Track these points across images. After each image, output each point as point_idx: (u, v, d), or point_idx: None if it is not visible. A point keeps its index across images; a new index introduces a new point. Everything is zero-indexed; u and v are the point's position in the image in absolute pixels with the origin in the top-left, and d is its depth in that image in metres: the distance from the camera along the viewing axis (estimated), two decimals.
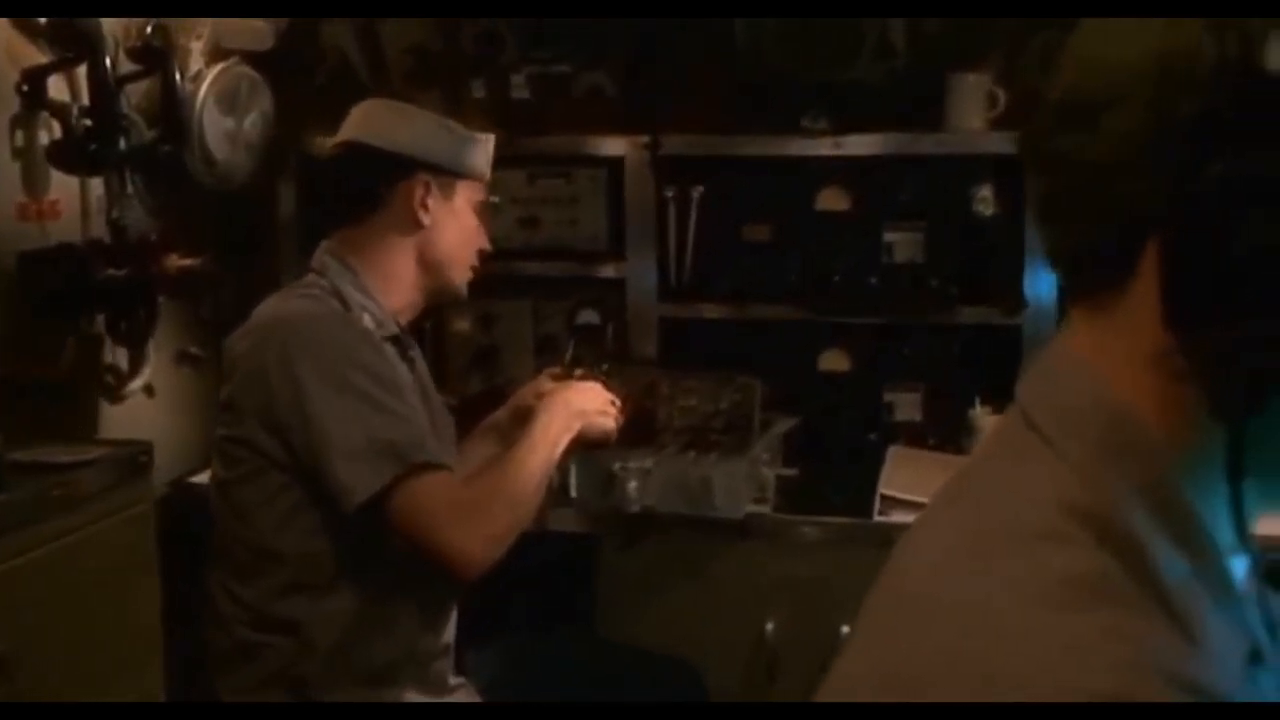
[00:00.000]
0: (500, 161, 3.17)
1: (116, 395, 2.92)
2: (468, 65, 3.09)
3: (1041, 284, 2.86)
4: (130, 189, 2.96)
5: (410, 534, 2.08)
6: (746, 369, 2.90)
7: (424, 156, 2.31)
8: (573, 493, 2.69)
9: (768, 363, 3.00)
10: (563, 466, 2.57)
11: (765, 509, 2.65)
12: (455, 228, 2.36)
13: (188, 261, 3.01)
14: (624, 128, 3.06)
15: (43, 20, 2.67)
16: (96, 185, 2.86)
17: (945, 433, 2.98)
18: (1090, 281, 0.78)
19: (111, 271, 2.74)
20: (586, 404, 2.37)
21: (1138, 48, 0.73)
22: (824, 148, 2.92)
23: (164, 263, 2.96)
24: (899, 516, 2.53)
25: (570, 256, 3.21)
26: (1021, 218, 2.80)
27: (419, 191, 2.33)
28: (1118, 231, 0.74)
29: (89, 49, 2.67)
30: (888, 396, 3.03)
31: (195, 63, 3.10)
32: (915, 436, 3.00)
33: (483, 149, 2.39)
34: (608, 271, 3.19)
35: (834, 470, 2.93)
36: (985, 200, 2.81)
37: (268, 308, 2.28)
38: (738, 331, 3.10)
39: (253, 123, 3.13)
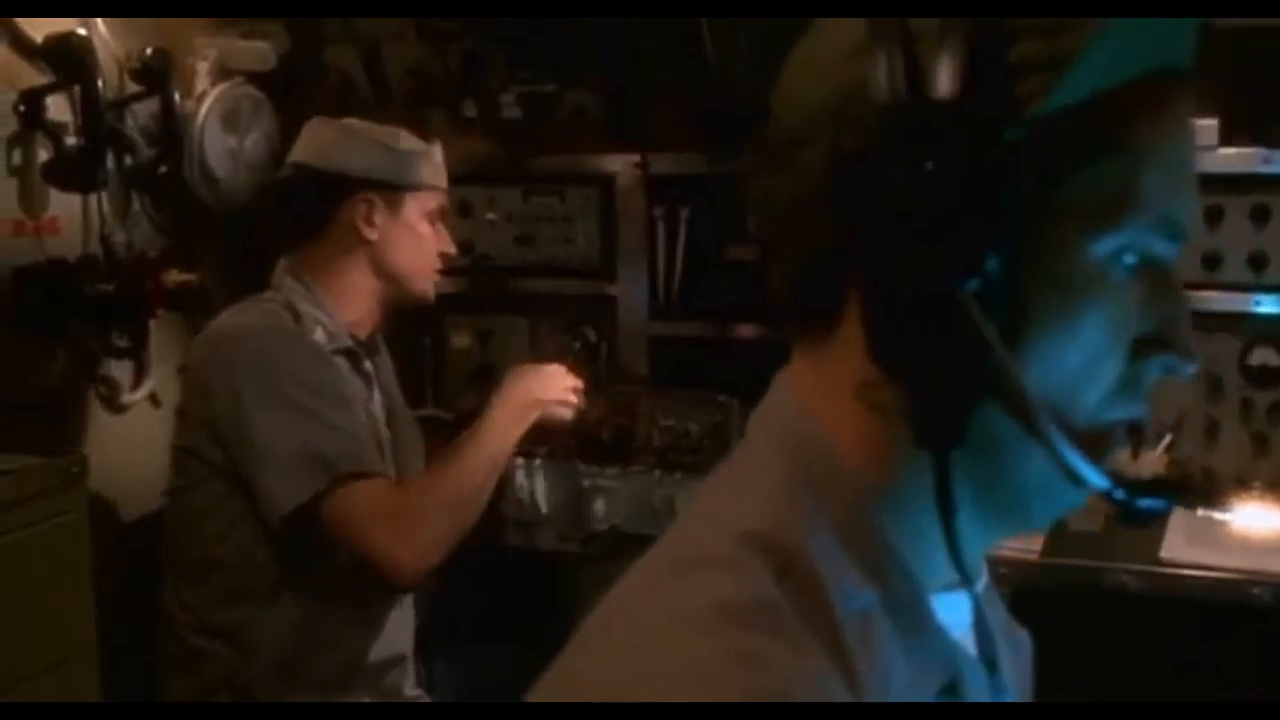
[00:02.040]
0: (495, 179, 3.23)
1: (115, 407, 2.99)
2: (458, 85, 3.11)
3: None
4: (136, 207, 3.06)
5: (342, 542, 2.11)
6: (734, 389, 2.87)
7: (365, 174, 2.35)
8: (543, 509, 2.69)
9: (757, 383, 2.96)
10: (533, 484, 2.57)
11: None
12: (407, 240, 2.39)
13: (185, 277, 3.09)
14: (612, 146, 3.06)
15: (39, 40, 2.76)
16: (102, 203, 2.95)
17: None
18: (803, 318, 0.77)
19: (101, 287, 2.81)
20: (544, 391, 2.37)
21: (824, 84, 0.72)
22: None
23: (162, 278, 3.04)
24: None
25: (564, 274, 3.21)
26: None
27: (362, 209, 2.36)
28: (816, 268, 0.74)
29: (81, 70, 2.74)
30: None
31: (201, 83, 3.18)
32: None
33: (428, 160, 2.41)
34: (600, 290, 3.19)
35: None
36: None
37: (219, 321, 2.33)
38: (726, 351, 3.07)
39: (255, 142, 3.19)
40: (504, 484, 2.48)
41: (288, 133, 3.25)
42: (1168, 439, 2.68)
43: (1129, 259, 0.70)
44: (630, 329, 3.13)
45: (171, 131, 3.00)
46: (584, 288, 3.20)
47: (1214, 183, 2.64)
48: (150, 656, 2.31)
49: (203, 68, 3.19)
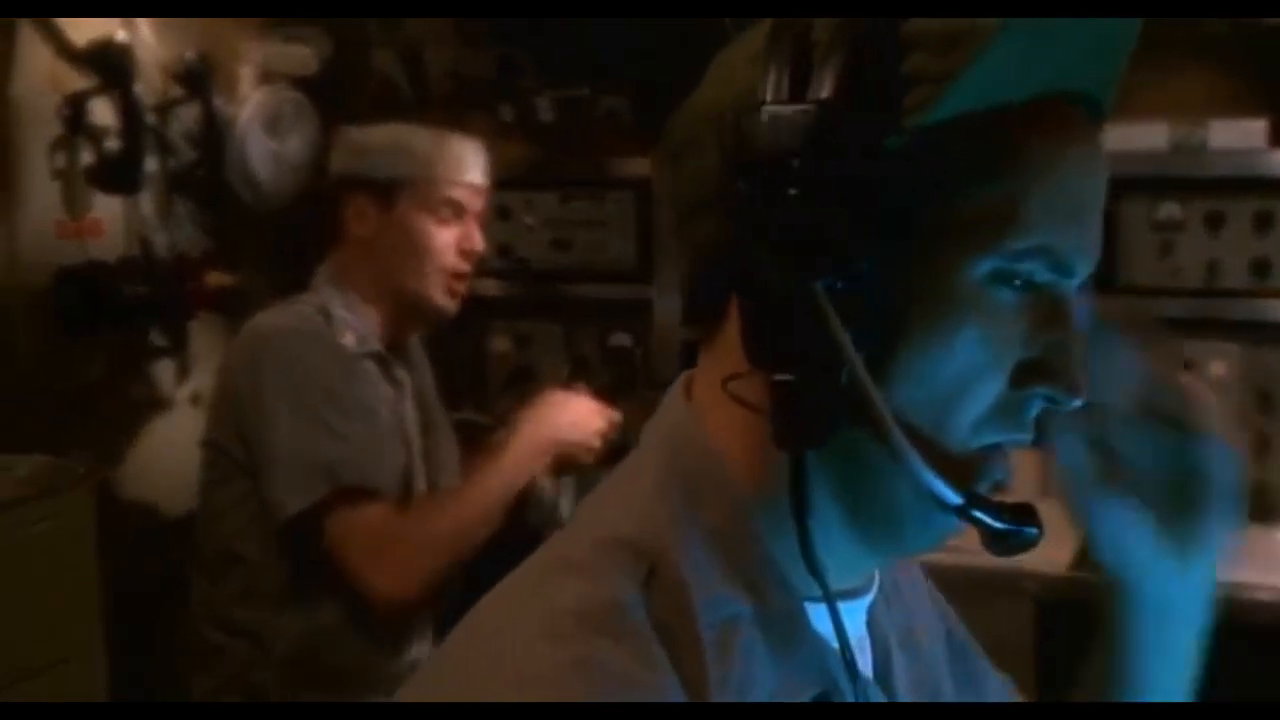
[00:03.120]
0: (533, 184, 3.23)
1: (155, 406, 3.04)
2: (492, 89, 3.12)
3: None
4: (179, 209, 3.12)
5: (335, 560, 2.11)
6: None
7: (350, 173, 2.33)
8: (564, 516, 2.68)
9: None
10: (559, 492, 2.55)
11: None
12: (398, 237, 2.30)
13: (226, 278, 3.14)
14: (646, 150, 3.04)
15: (80, 46, 2.82)
16: (146, 205, 3.01)
17: None
18: (698, 316, 0.75)
19: (137, 288, 2.86)
20: (570, 431, 2.33)
21: (721, 87, 0.72)
22: None
23: (203, 280, 3.09)
24: None
25: (601, 278, 3.21)
26: None
27: (353, 209, 2.34)
28: (702, 269, 0.73)
29: (120, 75, 2.80)
30: None
31: (245, 87, 3.23)
32: None
33: (428, 150, 2.32)
34: (637, 294, 3.18)
35: None
36: None
37: (253, 321, 2.34)
38: None
39: (297, 145, 3.23)
40: (529, 492, 2.45)
41: (330, 136, 3.29)
42: None
43: (1016, 282, 0.67)
44: (666, 333, 3.11)
45: (213, 135, 3.05)
46: (620, 291, 3.19)
47: (1264, 186, 2.56)
48: (162, 655, 2.34)
49: (246, 72, 3.25)
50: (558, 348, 3.30)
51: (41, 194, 2.82)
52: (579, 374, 2.74)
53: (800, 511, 0.67)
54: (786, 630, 0.70)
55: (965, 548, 2.41)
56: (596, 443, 2.36)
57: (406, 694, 0.69)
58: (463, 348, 3.34)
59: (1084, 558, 2.41)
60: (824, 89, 0.64)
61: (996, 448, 0.70)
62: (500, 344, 3.37)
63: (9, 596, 1.90)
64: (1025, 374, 0.68)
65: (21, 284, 2.78)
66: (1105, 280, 2.65)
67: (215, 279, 3.10)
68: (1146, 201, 2.66)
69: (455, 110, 3.26)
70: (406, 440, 2.37)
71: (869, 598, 0.78)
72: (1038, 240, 0.67)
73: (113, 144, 2.85)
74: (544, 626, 0.65)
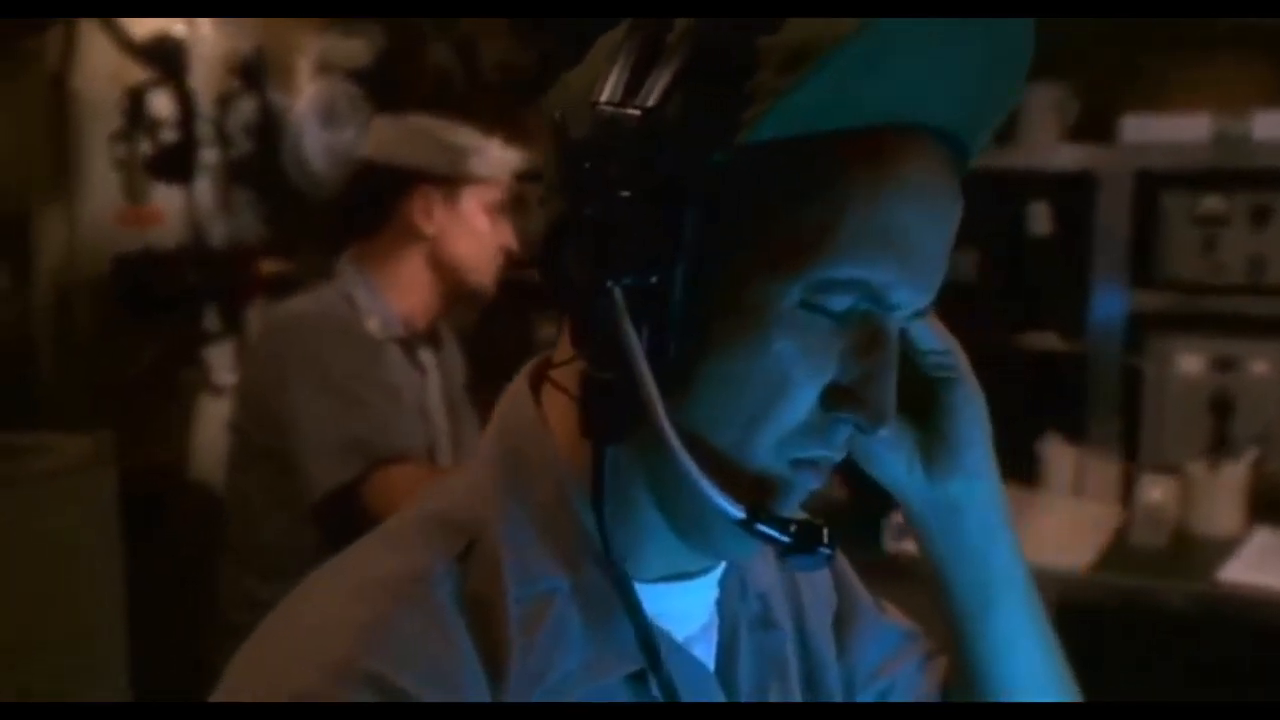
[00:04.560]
0: None
1: (208, 390, 3.14)
2: (535, 83, 3.16)
3: (1107, 308, 2.66)
4: (238, 198, 3.22)
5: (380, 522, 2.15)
6: None
7: (423, 168, 2.39)
8: None
9: None
10: None
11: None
12: (464, 233, 2.42)
13: (281, 266, 3.23)
14: None
15: (139, 40, 2.93)
16: (204, 194, 3.12)
17: (1009, 464, 2.80)
18: (545, 302, 0.78)
19: (192, 275, 2.96)
20: None
21: (578, 81, 0.72)
22: None
23: (258, 267, 3.18)
24: (913, 546, 2.41)
25: None
26: (1082, 237, 2.62)
27: (420, 203, 2.41)
28: (542, 254, 0.73)
29: (174, 69, 2.90)
30: None
31: (303, 80, 3.32)
32: None
33: (486, 153, 2.43)
34: None
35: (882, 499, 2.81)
36: (1040, 218, 2.64)
37: (279, 307, 2.42)
38: None
39: (352, 135, 3.30)
40: None
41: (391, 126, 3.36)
42: (1254, 452, 2.53)
43: (833, 307, 0.67)
44: None
45: (269, 126, 3.15)
46: None
47: None
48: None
49: (304, 65, 3.33)
50: None
51: (102, 183, 2.93)
52: None
53: (598, 499, 0.69)
54: (603, 608, 0.71)
55: None
56: None
57: (245, 644, 0.71)
58: (510, 335, 3.39)
59: (1110, 560, 2.36)
60: (653, 95, 0.64)
61: (807, 462, 0.70)
62: (547, 331, 3.41)
63: (31, 573, 1.98)
64: (834, 398, 0.68)
65: (82, 270, 2.90)
66: (1147, 276, 2.60)
67: (270, 266, 3.19)
68: (1189, 195, 2.59)
69: (507, 102, 3.31)
70: (430, 421, 2.42)
71: (711, 579, 0.78)
72: (850, 272, 0.66)
73: (169, 135, 2.95)
74: (349, 590, 0.68)
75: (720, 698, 0.77)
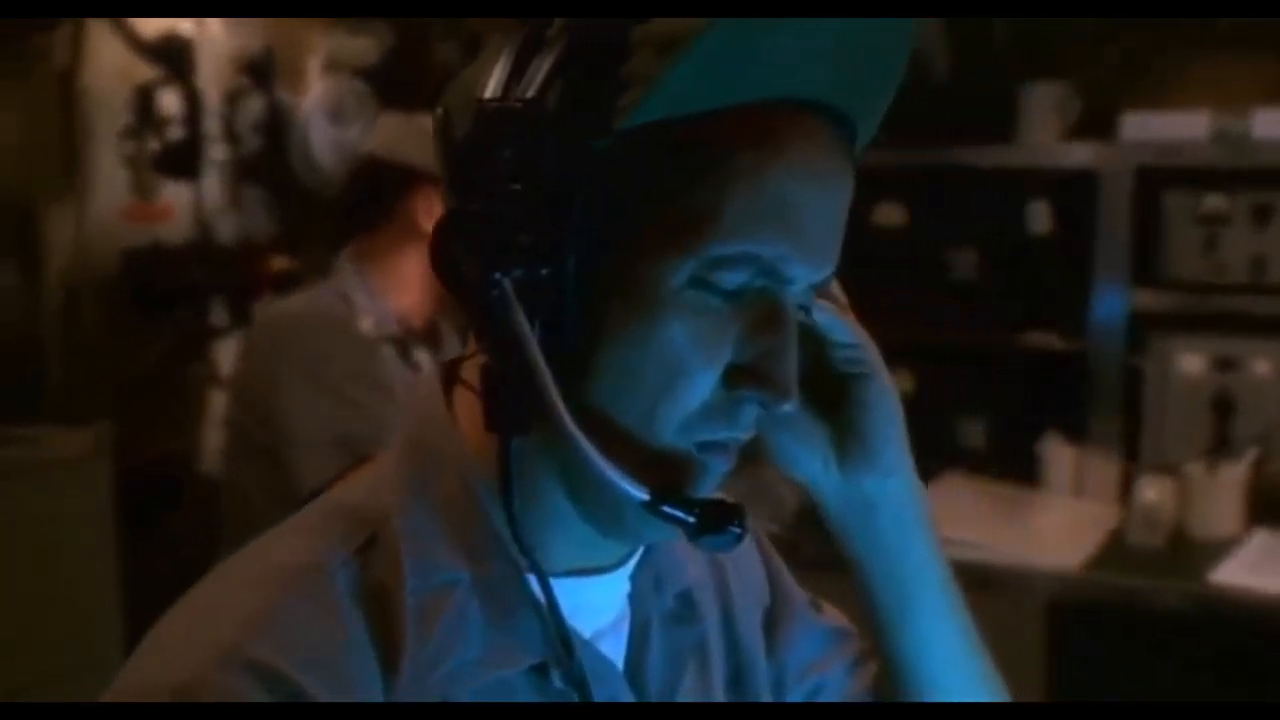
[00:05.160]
0: None
1: (215, 385, 3.17)
2: None
3: (1107, 307, 2.64)
4: (247, 195, 3.25)
5: None
6: None
7: (427, 166, 2.40)
8: None
9: None
10: None
11: (773, 528, 2.57)
12: None
13: (289, 263, 3.25)
14: None
15: (147, 39, 2.96)
16: (211, 191, 3.15)
17: (1010, 463, 2.80)
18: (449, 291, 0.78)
19: (198, 271, 3.00)
20: None
21: (471, 75, 0.71)
22: (881, 160, 2.81)
23: (266, 264, 3.21)
24: None
25: None
26: (1083, 236, 2.60)
27: (423, 201, 2.41)
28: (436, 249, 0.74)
29: (181, 67, 2.93)
30: (952, 422, 2.87)
31: (312, 78, 3.34)
32: (978, 466, 2.83)
33: None
34: None
35: None
36: (1040, 217, 2.63)
37: (275, 305, 2.44)
38: None
39: (360, 133, 3.32)
40: None
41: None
42: (1255, 453, 2.50)
43: (719, 287, 0.67)
44: None
45: (277, 124, 3.18)
46: None
47: None
48: None
49: (313, 63, 3.36)
50: None
51: (111, 180, 2.97)
52: None
53: (507, 492, 0.69)
54: (506, 600, 0.71)
55: (974, 544, 2.39)
56: None
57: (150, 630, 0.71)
58: None
59: (1104, 559, 2.35)
60: (532, 87, 0.64)
61: (715, 444, 0.70)
62: None
63: (24, 566, 2.01)
64: (737, 377, 0.68)
65: (90, 266, 2.93)
66: (1148, 275, 2.58)
67: (278, 263, 3.21)
68: (1191, 194, 2.57)
69: None
70: None
71: (622, 573, 0.77)
72: (741, 248, 0.66)
73: (176, 132, 2.98)
74: (245, 579, 0.69)
75: (625, 692, 0.76)
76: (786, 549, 2.84)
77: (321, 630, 0.66)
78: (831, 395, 0.79)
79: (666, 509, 0.67)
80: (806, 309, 0.73)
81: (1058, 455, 2.73)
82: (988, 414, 2.85)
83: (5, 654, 1.95)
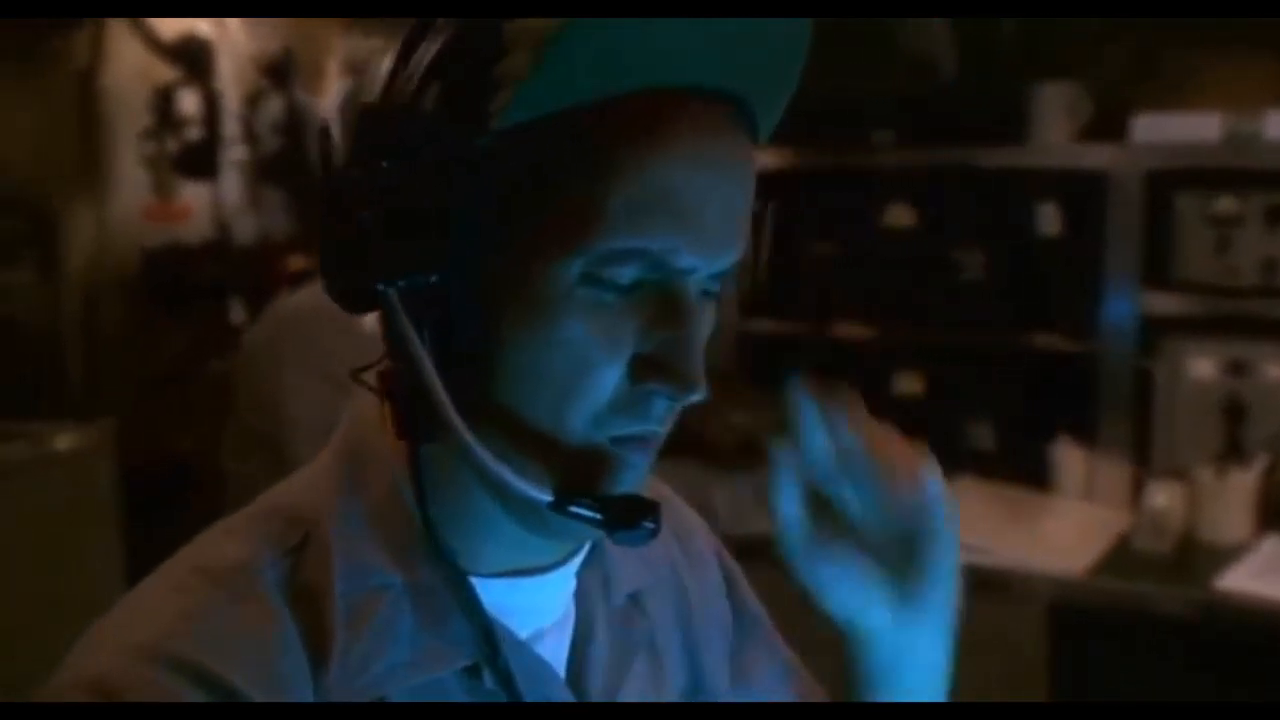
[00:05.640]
0: None
1: None
2: None
3: (1118, 310, 2.61)
4: (267, 195, 3.29)
5: None
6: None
7: None
8: None
9: (843, 382, 2.92)
10: None
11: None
12: None
13: (306, 262, 3.28)
14: None
15: (167, 40, 3.00)
16: (230, 191, 3.19)
17: (1020, 466, 2.78)
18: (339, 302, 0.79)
19: (215, 269, 3.03)
20: None
21: (363, 83, 0.74)
22: (891, 161, 2.81)
23: (282, 263, 3.24)
24: None
25: None
26: (1092, 237, 2.58)
27: None
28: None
29: (200, 68, 2.97)
30: (961, 424, 2.86)
31: (331, 79, 3.37)
32: (988, 468, 2.81)
33: None
34: None
35: None
36: (1050, 219, 2.61)
37: (279, 300, 2.46)
38: (813, 349, 3.02)
39: None
40: None
41: None
42: (1266, 458, 2.47)
43: (618, 280, 0.66)
44: (723, 324, 3.11)
45: (296, 124, 3.21)
46: None
47: None
48: None
49: (332, 65, 3.39)
50: None
51: (131, 180, 3.01)
52: None
53: (420, 499, 0.69)
54: (437, 603, 0.71)
55: (978, 548, 2.36)
56: None
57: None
58: None
59: (1109, 563, 2.33)
60: (407, 93, 0.65)
61: (631, 439, 0.69)
62: None
63: (32, 559, 2.03)
64: (641, 370, 0.67)
65: (110, 265, 2.98)
66: (1159, 277, 2.56)
67: (296, 262, 3.24)
68: (1202, 195, 2.54)
69: None
70: None
71: (563, 573, 0.77)
72: (629, 242, 0.65)
73: (195, 133, 3.02)
74: (175, 579, 0.69)
75: (561, 691, 0.76)
76: None
77: (250, 629, 0.66)
78: (892, 544, 0.77)
79: (572, 507, 0.67)
80: (714, 295, 0.71)
81: (1068, 459, 2.71)
82: (997, 416, 2.83)
83: (7, 651, 1.98)
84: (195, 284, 3.03)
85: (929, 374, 2.90)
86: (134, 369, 2.94)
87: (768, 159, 2.75)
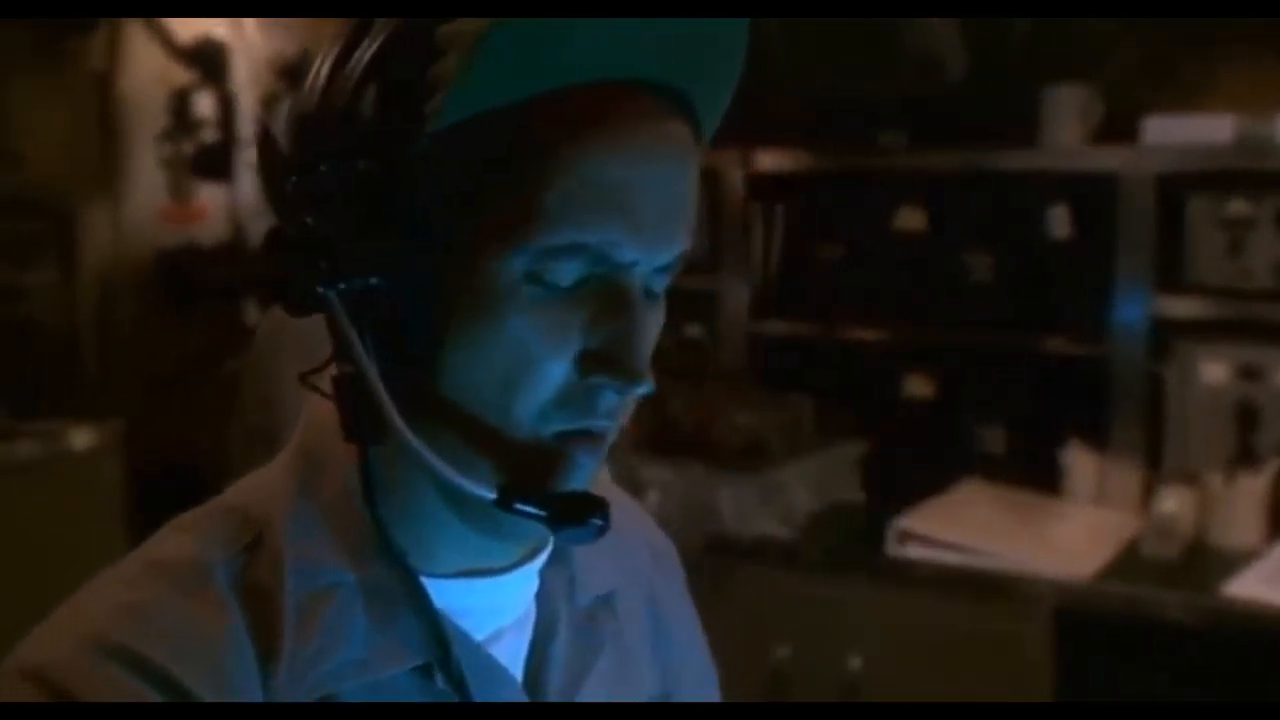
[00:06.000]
0: None
1: None
2: None
3: (1130, 313, 2.60)
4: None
5: None
6: (830, 390, 2.85)
7: None
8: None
9: (852, 385, 2.92)
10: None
11: (784, 531, 2.56)
12: None
13: None
14: (715, 141, 3.04)
15: (183, 43, 3.03)
16: (246, 192, 3.21)
17: (1031, 470, 2.77)
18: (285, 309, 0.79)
19: (230, 270, 3.06)
20: None
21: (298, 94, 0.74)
22: (901, 163, 2.80)
23: None
24: (915, 552, 2.39)
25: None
26: (1103, 240, 2.56)
27: None
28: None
29: (216, 70, 2.99)
30: (972, 427, 2.85)
31: None
32: (998, 472, 2.80)
33: None
34: (706, 285, 3.18)
35: (900, 499, 2.79)
36: (1058, 221, 2.59)
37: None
38: (824, 350, 3.02)
39: None
40: None
41: None
42: (1277, 462, 2.45)
43: (561, 276, 0.66)
44: (732, 325, 3.11)
45: None
46: (690, 282, 3.19)
47: None
48: None
49: None
50: None
51: (148, 181, 3.04)
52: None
53: (370, 500, 0.70)
54: (389, 602, 0.71)
55: (986, 551, 2.35)
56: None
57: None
58: None
59: (1116, 568, 2.31)
60: (344, 97, 0.65)
61: (578, 434, 0.69)
62: None
63: (39, 557, 2.05)
64: (588, 364, 0.67)
65: (126, 265, 3.01)
66: (1171, 280, 2.54)
67: None
68: (1214, 198, 2.52)
69: None
70: None
71: (523, 573, 0.77)
72: (569, 237, 0.65)
73: (211, 135, 3.04)
74: (128, 574, 0.70)
75: (514, 691, 0.76)
76: (789, 552, 2.82)
77: (197, 624, 0.67)
78: None
79: (519, 504, 0.68)
80: (658, 296, 0.71)
81: (1079, 463, 2.70)
82: (1008, 419, 2.82)
83: (9, 648, 2.01)
84: (210, 285, 3.05)
85: (939, 377, 2.89)
86: (147, 369, 2.96)
87: (778, 161, 2.76)
